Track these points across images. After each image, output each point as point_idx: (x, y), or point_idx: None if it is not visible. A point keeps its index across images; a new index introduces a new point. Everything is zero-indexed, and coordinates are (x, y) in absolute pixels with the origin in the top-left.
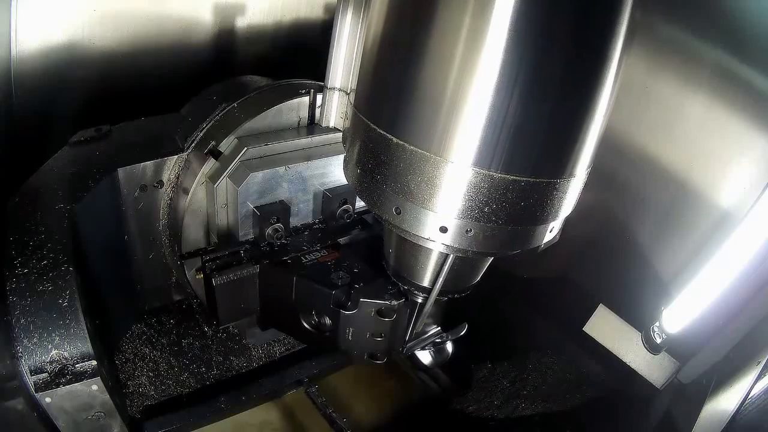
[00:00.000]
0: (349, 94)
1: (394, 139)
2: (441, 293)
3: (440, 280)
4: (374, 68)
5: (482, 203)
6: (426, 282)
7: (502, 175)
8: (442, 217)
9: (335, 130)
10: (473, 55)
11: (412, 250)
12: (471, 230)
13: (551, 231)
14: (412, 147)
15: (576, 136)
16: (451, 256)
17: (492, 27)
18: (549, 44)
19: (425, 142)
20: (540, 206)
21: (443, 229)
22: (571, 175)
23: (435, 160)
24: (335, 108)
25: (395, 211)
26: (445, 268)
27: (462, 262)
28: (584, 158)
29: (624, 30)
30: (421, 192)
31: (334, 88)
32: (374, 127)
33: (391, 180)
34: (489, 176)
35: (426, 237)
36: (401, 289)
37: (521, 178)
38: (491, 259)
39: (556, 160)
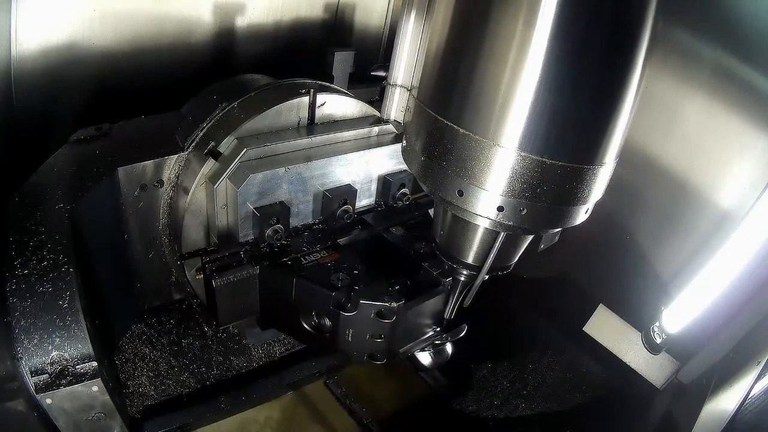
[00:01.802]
0: (410, 90)
1: (461, 130)
2: (487, 271)
3: (491, 255)
4: (440, 69)
5: (535, 185)
6: (472, 260)
7: (552, 161)
8: (499, 198)
9: (339, 129)
10: (526, 58)
11: (465, 229)
12: (524, 209)
13: (586, 212)
14: (476, 136)
15: (611, 129)
16: (502, 233)
17: (540, 32)
18: (588, 53)
19: (488, 132)
20: (580, 189)
21: (500, 208)
22: (603, 162)
23: (496, 147)
24: (396, 102)
25: (458, 193)
26: (496, 244)
27: (506, 240)
28: (615, 148)
29: (649, 37)
30: (483, 175)
31: (396, 85)
32: (441, 119)
33: (456, 165)
34: (541, 162)
35: (485, 216)
36: (447, 267)
37: (567, 164)
38: (531, 238)
39: (595, 149)
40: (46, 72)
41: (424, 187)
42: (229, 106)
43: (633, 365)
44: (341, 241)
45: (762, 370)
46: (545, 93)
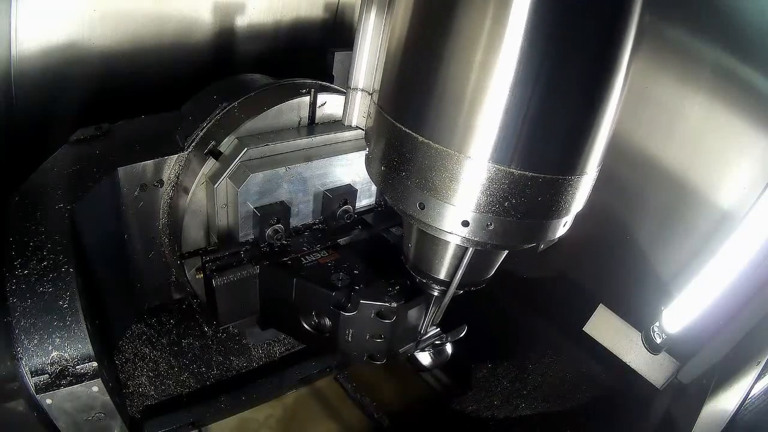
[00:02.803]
0: (372, 94)
1: (420, 138)
2: (458, 286)
3: (459, 272)
4: (399, 71)
5: (502, 198)
6: (443, 275)
7: (522, 172)
8: (464, 212)
9: (339, 129)
10: (493, 60)
11: (432, 244)
12: (491, 224)
13: (564, 225)
14: (436, 145)
15: (589, 136)
16: (471, 249)
17: (510, 33)
18: (564, 50)
19: (449, 141)
20: (556, 201)
21: (465, 223)
22: (584, 172)
23: (458, 157)
24: (358, 107)
25: (419, 206)
26: (465, 261)
27: (478, 256)
28: (596, 156)
29: (633, 34)
30: (445, 188)
31: (357, 89)
32: (400, 126)
33: (416, 176)
34: (509, 173)
35: (448, 231)
36: (419, 282)
37: (539, 175)
38: (506, 253)
39: (572, 158)
40: (46, 72)
41: (387, 199)
42: (230, 106)
43: (633, 365)
44: (341, 241)
45: (762, 370)
46: (515, 95)
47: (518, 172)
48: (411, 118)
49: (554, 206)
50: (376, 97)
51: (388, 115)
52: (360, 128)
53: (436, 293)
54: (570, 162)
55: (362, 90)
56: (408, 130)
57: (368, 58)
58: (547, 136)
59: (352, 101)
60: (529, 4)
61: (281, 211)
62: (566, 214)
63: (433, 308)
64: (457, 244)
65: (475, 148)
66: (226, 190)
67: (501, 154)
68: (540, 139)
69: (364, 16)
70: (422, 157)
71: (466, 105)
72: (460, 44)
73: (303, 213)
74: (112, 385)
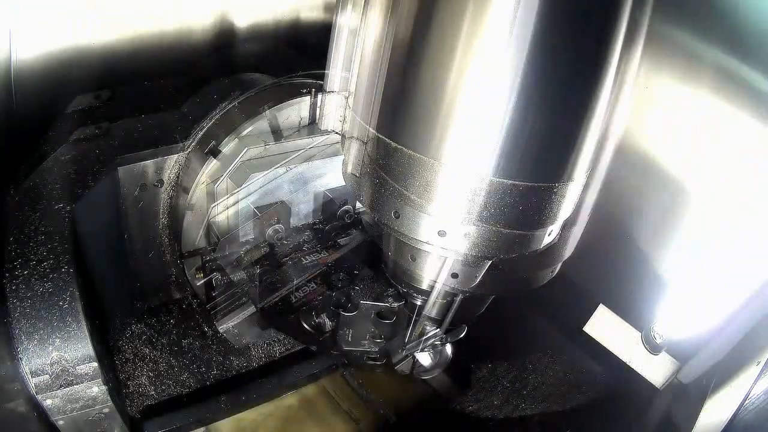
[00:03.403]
0: (347, 97)
1: (393, 144)
2: (442, 296)
3: (439, 282)
4: (372, 74)
5: (480, 207)
6: (425, 285)
7: (500, 180)
8: (440, 221)
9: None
10: (471, 62)
11: (410, 253)
12: (469, 234)
13: (549, 234)
14: (410, 151)
15: (574, 141)
16: (450, 259)
17: (489, 35)
18: (546, 50)
19: (423, 147)
20: (539, 210)
21: (442, 233)
22: (570, 179)
23: (433, 164)
24: (333, 111)
25: (394, 214)
26: (443, 271)
27: (460, 265)
28: (583, 162)
29: (622, 35)
30: (420, 196)
31: (332, 91)
32: (372, 131)
33: (390, 184)
34: (487, 181)
35: (424, 240)
36: (400, 291)
37: (519, 183)
38: (490, 262)
39: (555, 165)
40: (46, 72)
41: (364, 207)
42: (230, 106)
43: (633, 365)
44: (341, 241)
45: (762, 370)
46: (494, 101)
47: (496, 180)
48: (384, 123)
49: (537, 215)
50: (351, 100)
51: (361, 119)
52: (336, 132)
53: (419, 302)
54: (553, 169)
55: (337, 93)
56: (381, 136)
57: (343, 61)
58: (528, 143)
59: (327, 105)
60: (510, 9)
61: (281, 210)
62: (551, 222)
63: (416, 317)
64: (435, 254)
65: (449, 155)
66: (226, 190)
67: (477, 162)
68: (519, 146)
69: (338, 18)
70: (396, 164)
71: (442, 111)
72: (436, 48)
73: (303, 213)
74: (112, 385)
